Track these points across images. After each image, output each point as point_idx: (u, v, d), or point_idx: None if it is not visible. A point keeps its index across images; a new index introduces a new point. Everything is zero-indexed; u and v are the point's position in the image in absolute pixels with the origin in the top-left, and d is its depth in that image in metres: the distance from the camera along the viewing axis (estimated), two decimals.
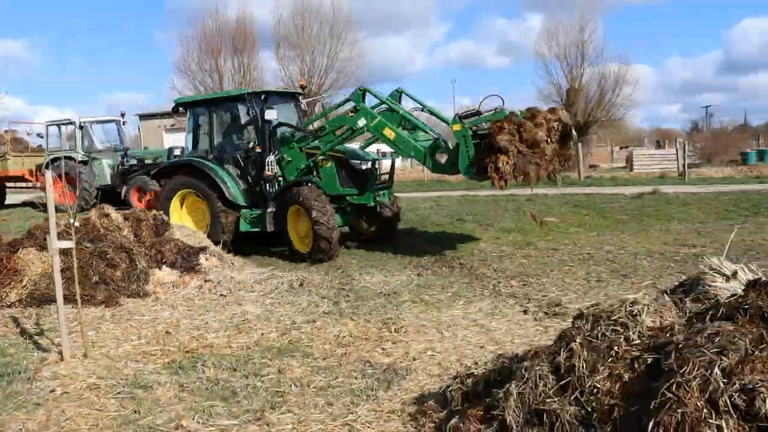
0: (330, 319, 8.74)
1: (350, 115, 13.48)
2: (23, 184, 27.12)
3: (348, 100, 13.73)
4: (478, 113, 12.49)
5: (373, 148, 18.22)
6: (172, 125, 54.67)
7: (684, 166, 31.88)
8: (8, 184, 27.35)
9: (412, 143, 12.87)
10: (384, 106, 13.52)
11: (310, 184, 13.64)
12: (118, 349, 7.68)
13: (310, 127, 14.52)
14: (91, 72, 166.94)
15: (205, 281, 10.40)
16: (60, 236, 8.33)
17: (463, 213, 18.65)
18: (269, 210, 13.93)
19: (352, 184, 14.04)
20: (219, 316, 8.94)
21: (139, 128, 54.20)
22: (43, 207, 10.64)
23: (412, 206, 20.19)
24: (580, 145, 40.17)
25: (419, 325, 8.36)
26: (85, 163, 23.93)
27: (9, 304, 9.36)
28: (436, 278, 11.28)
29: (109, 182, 23.66)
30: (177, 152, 30.44)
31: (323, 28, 43.74)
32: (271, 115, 13.70)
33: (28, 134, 29.28)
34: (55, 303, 7.39)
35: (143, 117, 54.31)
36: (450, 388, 5.69)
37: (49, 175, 7.56)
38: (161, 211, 13.42)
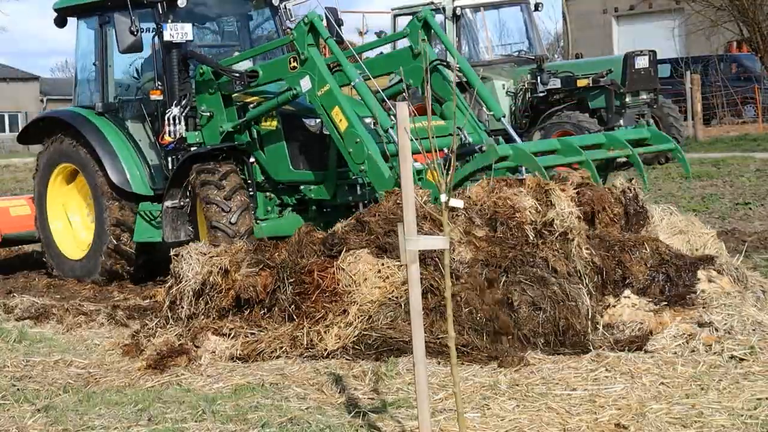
0: None
1: (292, 66, 7.51)
2: None
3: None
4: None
5: None
6: None
7: None
8: None
9: (376, 156, 6.83)
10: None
11: (226, 159, 7.92)
12: None
13: (241, 67, 8.13)
14: None
15: (700, 325, 5.39)
16: (421, 228, 4.83)
17: None
18: (166, 205, 8.19)
19: (307, 163, 8.08)
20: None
21: None
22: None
23: None
24: None
25: None
26: None
27: (326, 352, 5.40)
28: None
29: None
30: None
31: None
32: (178, 34, 8.11)
33: (361, 34, 19.06)
34: (407, 354, 4.80)
35: None
36: None
37: (404, 110, 3.75)
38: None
